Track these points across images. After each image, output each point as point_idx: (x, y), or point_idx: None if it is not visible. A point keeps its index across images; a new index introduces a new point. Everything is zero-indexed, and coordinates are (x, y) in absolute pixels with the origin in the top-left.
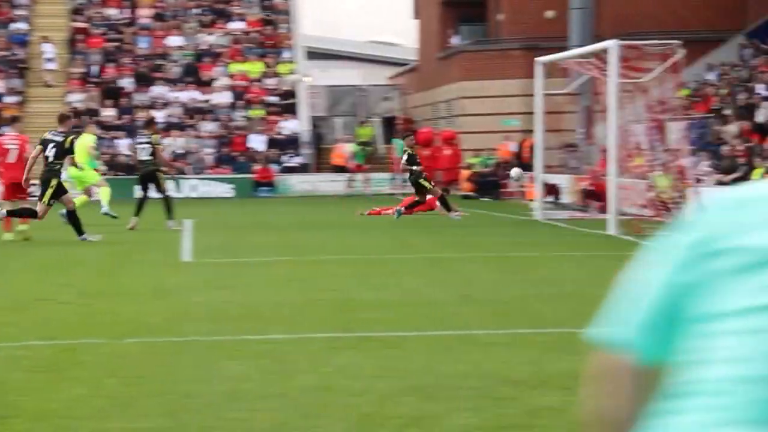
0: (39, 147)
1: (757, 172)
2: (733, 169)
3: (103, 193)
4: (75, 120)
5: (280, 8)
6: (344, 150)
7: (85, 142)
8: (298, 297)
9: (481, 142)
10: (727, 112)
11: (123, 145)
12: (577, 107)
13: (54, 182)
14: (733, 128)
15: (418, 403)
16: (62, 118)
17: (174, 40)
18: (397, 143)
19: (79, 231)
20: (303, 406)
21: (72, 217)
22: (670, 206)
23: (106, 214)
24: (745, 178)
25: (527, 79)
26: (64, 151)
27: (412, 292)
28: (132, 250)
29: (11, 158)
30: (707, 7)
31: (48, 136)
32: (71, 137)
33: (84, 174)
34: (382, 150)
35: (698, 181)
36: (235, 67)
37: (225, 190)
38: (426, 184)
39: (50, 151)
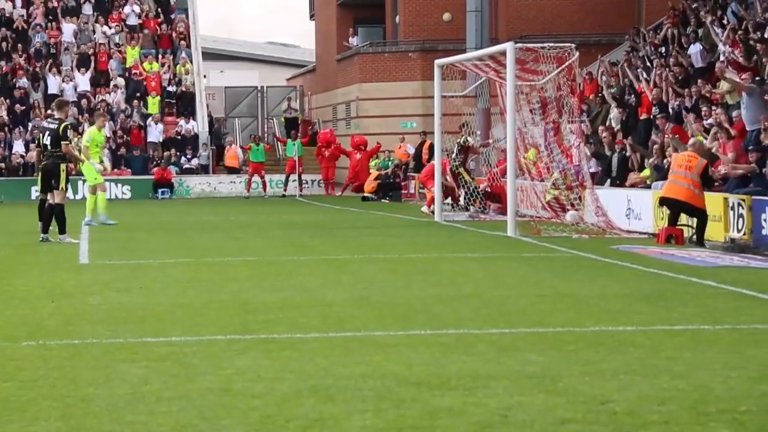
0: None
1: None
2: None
3: (101, 199)
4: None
5: (176, 7)
6: (237, 151)
7: (95, 137)
8: (197, 299)
9: (383, 142)
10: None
11: (18, 145)
12: (474, 109)
13: (63, 166)
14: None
15: (318, 404)
16: (60, 105)
17: (67, 34)
18: (295, 144)
19: (63, 229)
20: (204, 409)
21: (61, 213)
22: (567, 208)
23: (104, 223)
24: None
25: (425, 81)
26: (59, 138)
27: (310, 294)
28: (27, 252)
29: None
30: (601, 12)
31: (43, 123)
32: (66, 124)
33: (87, 170)
34: (281, 152)
35: (592, 181)
36: (132, 63)
37: (122, 191)
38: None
39: (46, 139)
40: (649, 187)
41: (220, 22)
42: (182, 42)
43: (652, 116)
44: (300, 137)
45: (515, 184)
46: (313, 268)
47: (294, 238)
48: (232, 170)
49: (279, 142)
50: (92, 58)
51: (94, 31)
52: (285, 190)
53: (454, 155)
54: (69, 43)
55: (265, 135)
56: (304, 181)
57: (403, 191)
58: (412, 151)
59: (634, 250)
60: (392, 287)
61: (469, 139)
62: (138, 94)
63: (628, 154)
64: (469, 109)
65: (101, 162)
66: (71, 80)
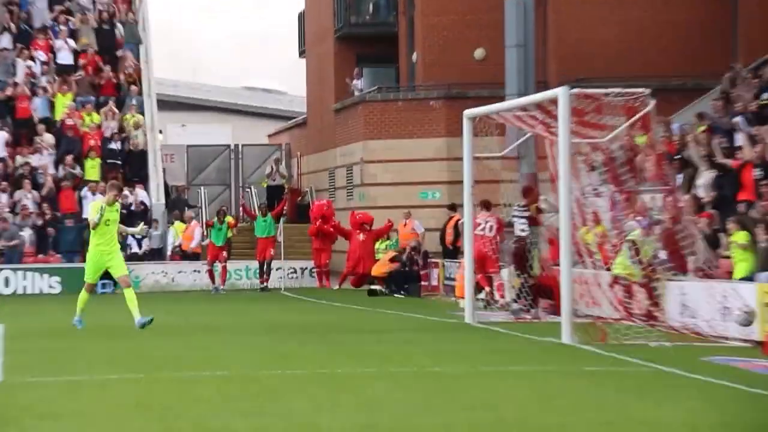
0: None
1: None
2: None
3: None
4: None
5: (123, 41)
6: (195, 231)
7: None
8: (148, 429)
9: (393, 217)
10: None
11: None
12: (516, 175)
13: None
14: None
15: None
16: None
17: None
18: (266, 221)
19: None
20: None
21: None
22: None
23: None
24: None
25: (451, 138)
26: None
27: (300, 421)
28: None
29: None
30: (684, 48)
31: None
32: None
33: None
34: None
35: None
36: (64, 114)
37: (49, 284)
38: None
39: None
40: (751, 279)
41: (181, 62)
42: (132, 87)
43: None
44: (269, 210)
45: (571, 273)
46: (303, 386)
47: (277, 345)
48: (187, 256)
49: (248, 216)
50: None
51: (14, 69)
52: (264, 280)
53: (522, 228)
54: None
55: (241, 208)
56: (291, 270)
57: (422, 282)
58: (421, 230)
59: (734, 363)
60: (408, 411)
61: (544, 204)
62: (71, 156)
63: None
64: (509, 175)
65: None
66: None
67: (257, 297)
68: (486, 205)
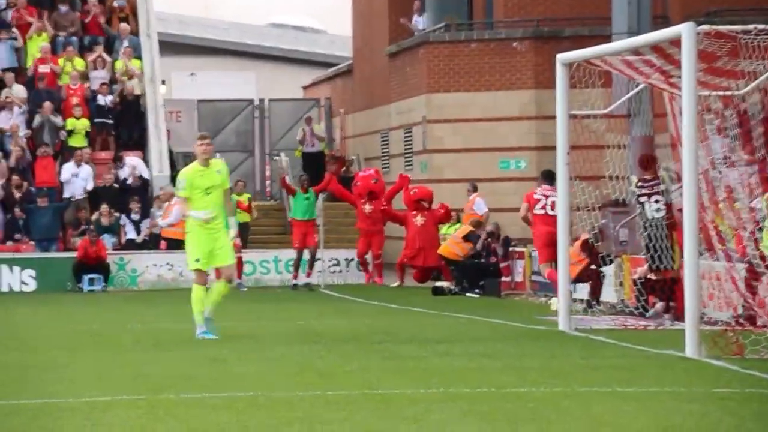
0: None
1: None
2: None
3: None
4: None
5: None
6: (174, 208)
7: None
8: None
9: (462, 195)
10: None
11: None
12: (626, 138)
13: None
14: None
15: None
16: None
17: None
18: (308, 199)
19: None
20: None
21: None
22: None
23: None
24: None
25: (541, 90)
26: None
27: None
28: None
29: None
30: None
31: None
32: None
33: None
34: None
35: None
36: (37, 59)
37: (21, 279)
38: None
39: None
40: None
41: None
42: (123, 25)
43: None
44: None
45: (698, 266)
46: (349, 411)
47: (315, 359)
48: (172, 244)
49: (288, 194)
50: None
51: None
52: (307, 274)
53: (657, 208)
54: None
55: (267, 181)
56: (332, 262)
57: (503, 278)
58: (483, 210)
59: None
60: None
61: (663, 174)
62: (52, 106)
63: None
64: (616, 138)
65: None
66: None
67: (290, 296)
68: (548, 177)
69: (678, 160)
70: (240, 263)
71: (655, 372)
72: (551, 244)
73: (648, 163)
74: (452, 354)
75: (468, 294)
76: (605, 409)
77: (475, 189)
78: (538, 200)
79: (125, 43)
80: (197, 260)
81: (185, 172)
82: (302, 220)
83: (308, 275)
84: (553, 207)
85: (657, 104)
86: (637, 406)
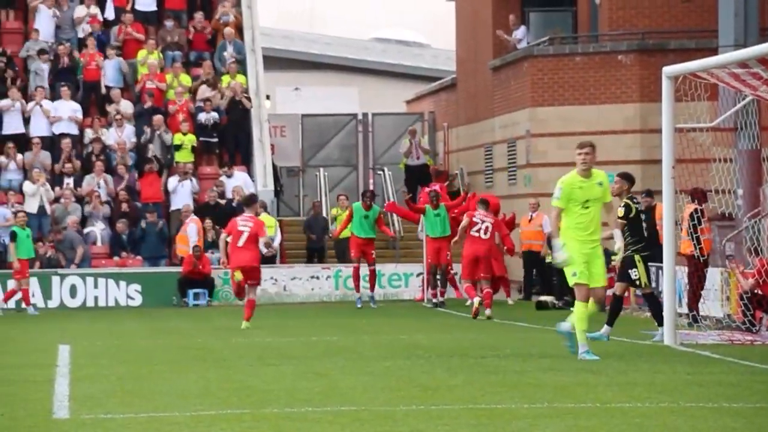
0: None
1: None
2: None
3: None
4: None
5: None
6: (188, 228)
7: None
8: None
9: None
10: None
11: None
12: (732, 152)
13: None
14: None
15: None
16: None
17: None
18: (439, 215)
19: None
20: None
21: None
22: None
23: None
24: None
25: (646, 103)
26: None
27: None
28: None
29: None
30: None
31: None
32: None
33: None
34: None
35: None
36: (144, 75)
37: (127, 293)
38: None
39: None
40: None
41: (294, 8)
42: (228, 29)
43: None
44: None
45: None
46: (453, 426)
47: (418, 374)
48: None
49: (415, 212)
50: (72, 63)
51: (73, 23)
52: (436, 294)
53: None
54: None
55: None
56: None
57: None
58: (548, 230)
59: None
60: None
61: None
62: (162, 118)
63: None
64: (722, 152)
65: None
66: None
67: (397, 312)
68: (484, 203)
69: None
70: (373, 275)
71: (762, 388)
72: (475, 263)
73: None
74: (556, 369)
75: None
76: (711, 425)
77: (537, 206)
78: (476, 223)
79: (231, 58)
80: (574, 274)
81: (564, 181)
82: (435, 237)
83: (442, 294)
84: (485, 231)
85: (764, 117)
86: (744, 423)
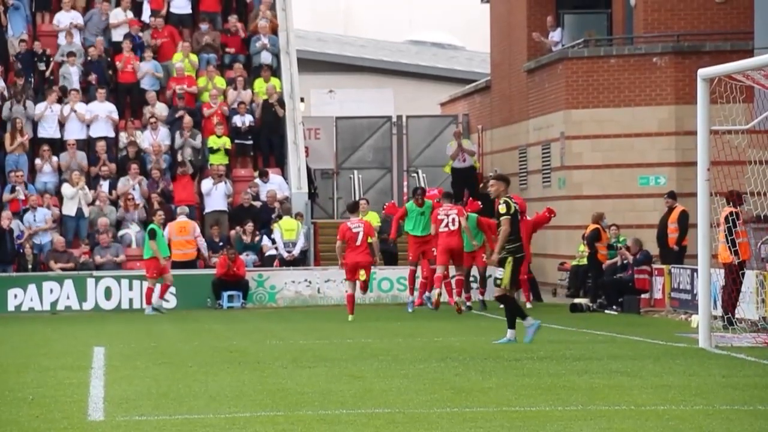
0: None
1: None
2: None
3: None
4: None
5: None
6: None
7: None
8: None
9: (602, 210)
10: None
11: None
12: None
13: None
14: None
15: None
16: None
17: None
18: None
19: None
20: None
21: None
22: None
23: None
24: None
25: (681, 105)
26: None
27: None
28: (18, 402)
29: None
30: None
31: None
32: None
33: None
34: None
35: None
36: (175, 79)
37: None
38: None
39: None
40: None
41: (329, 10)
42: (262, 22)
43: None
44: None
45: None
46: (486, 429)
47: (452, 376)
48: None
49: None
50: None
51: (107, 27)
52: (470, 297)
53: None
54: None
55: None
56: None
57: (643, 294)
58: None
59: None
60: None
61: None
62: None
63: None
64: (758, 154)
65: None
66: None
67: (431, 314)
68: (448, 196)
69: None
70: (412, 279)
71: None
72: (448, 252)
73: None
74: (591, 371)
75: (606, 311)
76: (747, 428)
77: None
78: (442, 220)
79: (266, 61)
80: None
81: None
82: (417, 236)
83: (482, 293)
84: (453, 222)
85: None
86: None
